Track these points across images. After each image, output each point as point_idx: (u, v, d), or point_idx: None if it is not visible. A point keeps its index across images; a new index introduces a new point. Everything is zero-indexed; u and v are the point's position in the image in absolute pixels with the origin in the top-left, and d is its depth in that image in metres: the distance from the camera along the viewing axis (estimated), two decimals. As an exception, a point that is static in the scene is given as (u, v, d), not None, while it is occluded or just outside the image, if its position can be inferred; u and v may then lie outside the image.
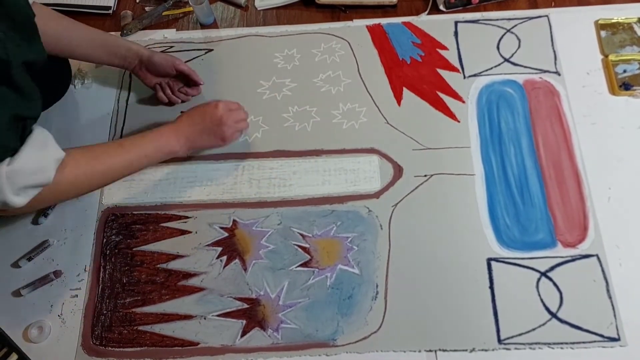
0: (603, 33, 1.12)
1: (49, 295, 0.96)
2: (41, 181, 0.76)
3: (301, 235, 0.98)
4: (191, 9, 1.20)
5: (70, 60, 1.13)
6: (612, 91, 1.07)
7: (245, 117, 1.02)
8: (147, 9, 1.22)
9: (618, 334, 0.88)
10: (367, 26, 1.17)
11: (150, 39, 1.19)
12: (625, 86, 1.07)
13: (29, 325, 0.93)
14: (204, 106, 0.98)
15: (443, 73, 1.10)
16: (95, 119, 1.10)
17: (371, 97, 1.09)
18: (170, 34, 1.19)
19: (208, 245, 0.98)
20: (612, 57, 1.09)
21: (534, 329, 0.89)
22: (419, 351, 0.89)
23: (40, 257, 0.99)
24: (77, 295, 0.96)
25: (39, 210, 1.02)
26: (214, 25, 1.21)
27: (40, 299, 0.95)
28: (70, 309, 0.95)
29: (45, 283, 0.97)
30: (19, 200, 0.74)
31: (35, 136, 0.77)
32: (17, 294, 0.96)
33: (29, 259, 0.98)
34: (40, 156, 0.76)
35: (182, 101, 1.11)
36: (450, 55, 1.12)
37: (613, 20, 1.13)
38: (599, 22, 1.13)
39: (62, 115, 1.10)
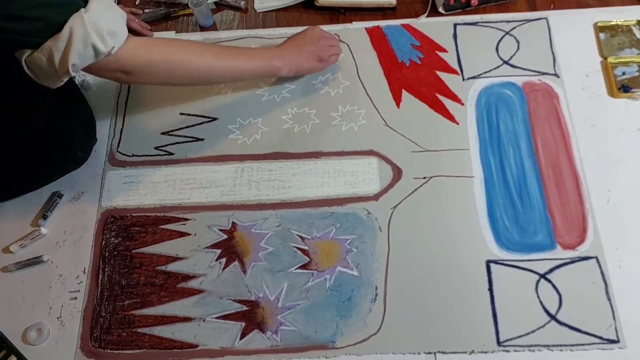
0: (602, 35, 1.13)
1: (48, 298, 0.96)
2: (121, 25, 0.81)
3: (300, 237, 0.98)
4: (191, 11, 1.20)
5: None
6: (611, 93, 1.07)
7: (337, 42, 1.11)
8: (146, 10, 1.23)
9: (617, 336, 0.87)
10: (366, 28, 1.17)
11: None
12: (624, 88, 1.07)
13: (27, 328, 0.93)
14: (304, 32, 1.06)
15: (442, 75, 1.10)
16: (95, 121, 1.10)
17: (370, 99, 1.09)
18: (169, 35, 1.19)
19: (207, 247, 0.98)
20: (611, 60, 1.09)
21: (533, 331, 0.89)
22: (418, 353, 0.88)
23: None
24: (76, 298, 0.95)
25: (38, 213, 1.02)
26: (213, 27, 1.21)
27: (39, 301, 0.95)
28: (69, 312, 0.95)
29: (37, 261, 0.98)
30: (108, 43, 0.78)
31: None
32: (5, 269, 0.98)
33: (21, 267, 0.98)
34: (110, 5, 0.81)
35: None
36: (449, 58, 1.12)
37: (612, 23, 1.13)
38: (598, 24, 1.14)
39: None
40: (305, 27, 1.08)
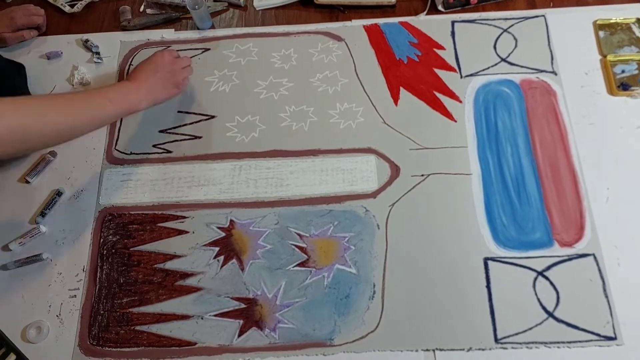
0: (601, 33, 1.12)
1: (47, 296, 0.96)
2: None
3: (298, 235, 0.98)
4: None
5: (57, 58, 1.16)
6: (611, 91, 1.07)
7: (189, 62, 1.06)
8: (148, 11, 1.23)
9: (615, 333, 0.88)
10: (364, 26, 1.17)
11: (148, 39, 1.19)
12: (624, 86, 1.06)
13: (27, 326, 0.93)
14: (154, 58, 0.99)
15: (440, 73, 1.10)
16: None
17: (368, 97, 1.09)
18: (168, 34, 1.20)
19: (205, 245, 0.98)
20: (610, 58, 1.09)
21: (530, 328, 0.89)
22: (416, 350, 0.89)
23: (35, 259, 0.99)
24: (75, 296, 0.96)
25: (36, 210, 1.02)
26: (212, 25, 1.21)
27: (39, 299, 0.95)
28: (68, 309, 0.95)
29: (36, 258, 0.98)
30: None
31: None
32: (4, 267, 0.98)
33: (20, 265, 0.99)
34: None
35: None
36: (447, 55, 1.12)
37: (611, 21, 1.13)
38: (598, 22, 1.13)
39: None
40: (158, 49, 1.09)
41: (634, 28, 1.13)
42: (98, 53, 1.17)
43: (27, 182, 1.04)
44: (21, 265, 0.98)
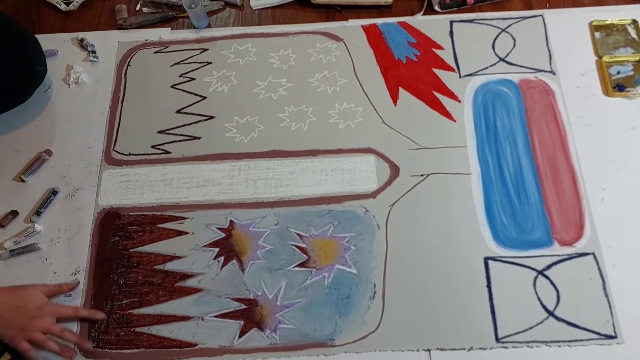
0: (597, 34, 1.13)
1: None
2: None
3: (298, 235, 0.98)
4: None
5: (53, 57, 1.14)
6: (606, 92, 1.07)
7: (62, 329, 0.89)
8: (144, 9, 1.22)
9: (615, 332, 0.88)
10: (362, 26, 1.17)
11: (146, 40, 1.18)
12: (619, 87, 1.07)
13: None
14: (26, 291, 0.89)
15: (439, 72, 1.11)
16: (90, 119, 1.10)
17: (367, 97, 1.09)
18: (165, 33, 1.19)
19: (205, 246, 0.97)
20: (606, 59, 1.10)
21: (531, 327, 0.89)
22: (417, 350, 0.89)
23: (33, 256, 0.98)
24: (70, 295, 0.94)
25: (32, 209, 1.01)
26: (208, 24, 1.20)
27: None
28: (64, 310, 0.94)
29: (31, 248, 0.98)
30: None
31: None
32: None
33: (14, 255, 0.98)
34: None
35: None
36: (446, 55, 1.13)
37: (607, 22, 1.14)
38: (593, 23, 1.14)
39: (56, 116, 1.10)
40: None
41: (630, 29, 1.13)
42: (94, 52, 1.16)
43: (23, 180, 1.03)
44: (15, 255, 0.97)
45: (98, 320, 0.92)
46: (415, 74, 1.11)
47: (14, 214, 1.01)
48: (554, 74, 1.09)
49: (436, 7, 1.17)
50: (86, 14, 1.23)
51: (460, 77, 1.10)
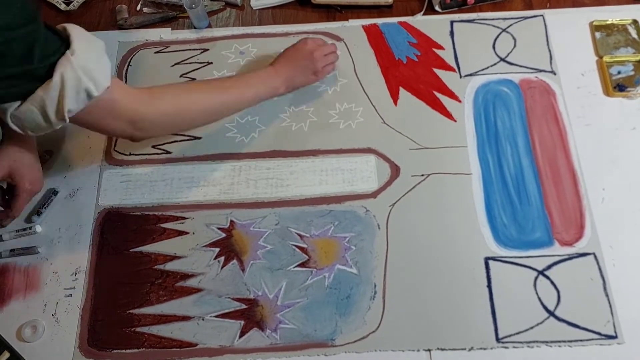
0: (598, 34, 1.13)
1: (42, 295, 0.95)
2: (107, 62, 0.79)
3: (299, 235, 0.98)
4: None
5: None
6: (607, 92, 1.07)
7: (334, 49, 1.09)
8: (145, 9, 1.22)
9: (615, 332, 0.88)
10: (363, 26, 1.17)
11: (146, 40, 1.19)
12: (620, 87, 1.07)
13: (22, 325, 0.92)
14: (294, 46, 1.05)
15: (439, 72, 1.11)
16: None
17: (368, 97, 1.09)
18: (165, 33, 1.19)
19: (205, 246, 0.97)
20: (606, 59, 1.10)
21: (531, 328, 0.89)
22: (418, 350, 0.89)
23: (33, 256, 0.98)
24: (71, 295, 0.95)
25: (32, 209, 1.01)
26: (208, 25, 1.20)
27: (34, 299, 0.95)
28: (64, 309, 0.94)
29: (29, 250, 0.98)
30: (101, 83, 0.76)
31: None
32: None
33: (14, 255, 0.98)
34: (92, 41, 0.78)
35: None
36: (447, 55, 1.13)
37: (608, 22, 1.14)
38: (594, 23, 1.14)
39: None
40: (304, 35, 1.11)
41: (630, 29, 1.13)
42: (94, 52, 1.16)
43: None
44: (15, 256, 0.97)
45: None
46: (415, 74, 1.11)
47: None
48: (555, 74, 1.09)
49: (436, 7, 1.17)
50: (86, 14, 1.23)
51: (460, 77, 1.10)
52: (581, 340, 0.88)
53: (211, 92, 0.94)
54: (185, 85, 0.93)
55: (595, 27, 1.14)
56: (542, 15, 1.16)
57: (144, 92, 0.86)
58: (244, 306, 0.93)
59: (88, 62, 0.74)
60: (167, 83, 0.94)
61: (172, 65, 1.15)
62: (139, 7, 1.23)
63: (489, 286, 0.92)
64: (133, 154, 1.06)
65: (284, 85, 1.02)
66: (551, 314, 0.90)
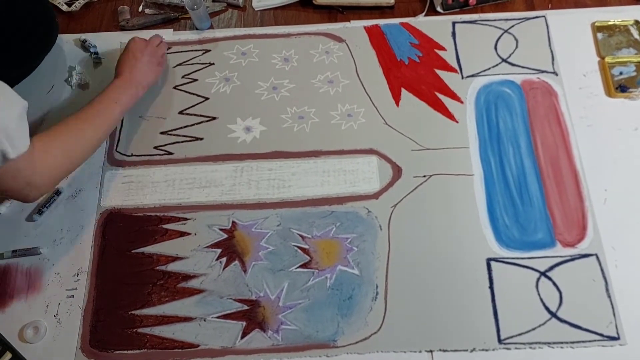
0: (599, 35, 1.13)
1: (44, 295, 0.95)
2: (25, 127, 0.78)
3: (301, 236, 0.98)
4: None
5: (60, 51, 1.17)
6: (609, 93, 1.07)
7: (160, 38, 1.11)
8: (147, 11, 1.22)
9: (618, 333, 0.88)
10: (365, 27, 1.17)
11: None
12: (622, 88, 1.07)
13: (24, 326, 0.92)
14: (127, 50, 1.05)
15: (441, 73, 1.11)
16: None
17: (369, 98, 1.09)
18: (167, 34, 1.19)
19: (207, 246, 0.97)
20: (608, 59, 1.10)
21: (534, 329, 0.89)
22: (419, 351, 0.89)
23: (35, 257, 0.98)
24: (73, 296, 0.95)
25: (34, 208, 1.02)
26: (210, 26, 1.21)
27: (36, 300, 0.95)
28: (66, 309, 0.94)
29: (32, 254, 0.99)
30: (17, 146, 0.75)
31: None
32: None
33: (16, 256, 0.98)
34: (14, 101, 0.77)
35: None
36: (448, 56, 1.13)
37: (609, 23, 1.14)
38: (596, 24, 1.14)
39: (59, 116, 1.10)
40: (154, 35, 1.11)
41: (632, 30, 1.13)
42: (96, 53, 1.16)
43: None
44: (17, 256, 0.98)
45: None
46: (417, 75, 1.11)
47: None
48: (557, 75, 1.09)
49: (438, 8, 1.17)
50: (88, 15, 1.23)
51: (462, 78, 1.10)
52: (583, 342, 0.88)
53: (91, 124, 0.93)
54: (67, 127, 0.90)
55: (597, 28, 1.14)
56: (544, 16, 1.15)
57: (35, 148, 0.81)
58: (245, 307, 0.93)
59: (8, 123, 0.73)
60: (53, 125, 0.90)
61: (174, 67, 1.15)
62: (141, 9, 1.23)
63: (491, 287, 0.92)
64: (135, 155, 1.06)
65: (139, 87, 1.02)
66: (553, 315, 0.90)
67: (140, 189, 1.03)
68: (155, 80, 1.08)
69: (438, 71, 1.11)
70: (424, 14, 1.18)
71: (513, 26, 1.15)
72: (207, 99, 1.11)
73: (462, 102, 1.07)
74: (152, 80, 1.06)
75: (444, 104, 1.07)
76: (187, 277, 0.95)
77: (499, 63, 1.11)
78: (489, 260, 0.94)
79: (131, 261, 0.97)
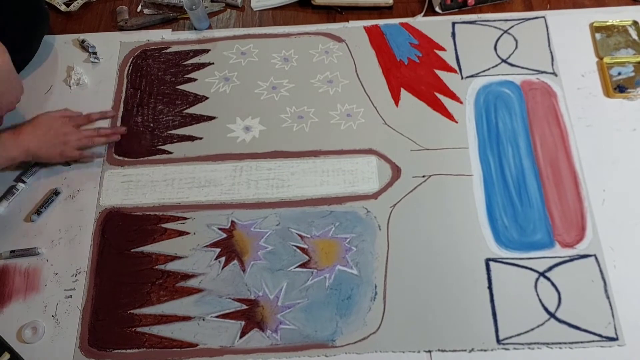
0: (598, 35, 1.13)
1: (42, 296, 0.95)
2: None
3: (300, 236, 0.98)
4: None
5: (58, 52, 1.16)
6: (607, 93, 1.07)
7: (93, 134, 1.04)
8: (145, 11, 1.22)
9: (616, 334, 0.88)
10: (364, 27, 1.17)
11: (148, 40, 1.19)
12: (620, 88, 1.07)
13: (22, 326, 0.92)
14: (50, 116, 1.01)
15: (441, 74, 1.11)
16: (92, 120, 1.10)
17: (369, 98, 1.09)
18: (166, 34, 1.19)
19: (206, 246, 0.97)
20: (606, 60, 1.10)
21: (532, 329, 0.89)
22: (418, 351, 0.89)
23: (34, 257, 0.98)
24: (71, 296, 0.95)
25: (32, 208, 1.02)
26: (209, 26, 1.21)
27: (34, 300, 0.95)
28: (64, 310, 0.94)
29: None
30: None
31: None
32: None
33: (15, 256, 0.98)
34: None
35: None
36: (448, 56, 1.13)
37: (608, 23, 1.14)
38: (594, 24, 1.14)
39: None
40: None
41: (630, 30, 1.14)
42: (95, 53, 1.16)
43: (23, 181, 1.03)
44: (15, 257, 0.97)
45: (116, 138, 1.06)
46: (417, 75, 1.11)
47: None
48: (556, 75, 1.09)
49: (437, 9, 1.17)
50: (87, 15, 1.23)
51: (462, 78, 1.10)
52: (582, 342, 0.88)
53: None
54: None
55: (595, 28, 1.14)
56: (543, 17, 1.16)
57: None
58: (244, 307, 0.93)
59: None
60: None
61: (174, 66, 1.15)
62: (139, 9, 1.23)
63: (490, 287, 0.92)
64: (134, 155, 1.06)
65: (23, 155, 0.97)
66: (552, 315, 0.90)
67: (139, 188, 1.03)
68: (47, 160, 1.02)
69: (437, 71, 1.11)
70: (422, 14, 1.18)
71: (513, 27, 1.15)
72: (206, 98, 1.11)
73: (461, 103, 1.08)
74: (43, 158, 1.01)
75: (443, 104, 1.08)
76: (186, 276, 0.95)
77: (499, 63, 1.11)
78: (487, 261, 0.94)
79: (130, 260, 0.97)
